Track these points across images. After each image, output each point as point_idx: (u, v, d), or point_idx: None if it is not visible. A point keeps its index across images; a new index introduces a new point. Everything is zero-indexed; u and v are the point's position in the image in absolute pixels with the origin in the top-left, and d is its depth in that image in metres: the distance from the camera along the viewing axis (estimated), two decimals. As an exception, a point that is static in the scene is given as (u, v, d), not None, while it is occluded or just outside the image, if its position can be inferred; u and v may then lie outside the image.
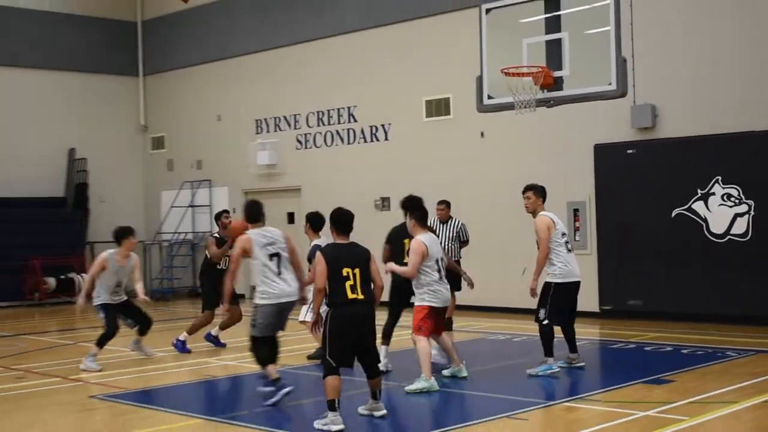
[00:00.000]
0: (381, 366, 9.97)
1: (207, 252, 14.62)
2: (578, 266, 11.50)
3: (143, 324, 13.25)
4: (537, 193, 11.53)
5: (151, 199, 26.58)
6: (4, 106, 24.42)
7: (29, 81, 24.91)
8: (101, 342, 12.71)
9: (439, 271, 10.65)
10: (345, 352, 8.78)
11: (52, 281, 23.37)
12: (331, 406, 8.62)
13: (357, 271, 8.82)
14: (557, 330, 11.40)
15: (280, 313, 10.18)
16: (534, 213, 11.49)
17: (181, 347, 14.23)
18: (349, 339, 8.78)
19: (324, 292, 8.84)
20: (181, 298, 24.36)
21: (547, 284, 11.26)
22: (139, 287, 12.99)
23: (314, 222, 12.71)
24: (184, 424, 9.23)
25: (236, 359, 13.47)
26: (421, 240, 10.60)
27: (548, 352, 11.14)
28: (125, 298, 13.06)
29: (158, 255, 25.52)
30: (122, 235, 12.86)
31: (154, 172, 26.63)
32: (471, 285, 12.55)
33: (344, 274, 8.77)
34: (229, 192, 24.29)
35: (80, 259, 24.26)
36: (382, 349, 11.32)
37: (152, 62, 26.69)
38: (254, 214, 10.54)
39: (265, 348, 10.21)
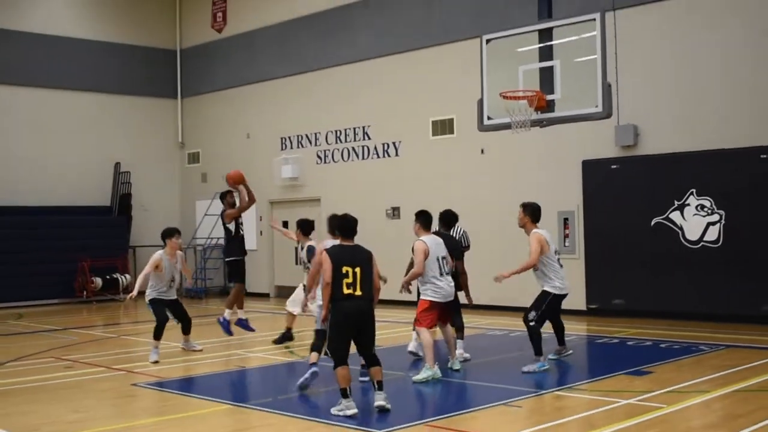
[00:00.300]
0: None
1: (225, 222, 14.65)
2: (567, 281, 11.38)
3: (185, 322, 13.29)
4: (526, 210, 11.31)
5: (186, 208, 26.62)
6: (58, 125, 24.50)
7: (81, 102, 24.99)
8: (156, 334, 12.75)
9: (440, 268, 10.74)
10: (341, 343, 8.77)
11: (98, 281, 23.41)
12: (344, 393, 8.65)
13: (357, 270, 8.81)
14: (547, 326, 11.37)
15: None
16: (524, 228, 11.33)
17: (226, 326, 14.36)
18: (345, 331, 8.79)
19: (331, 286, 8.84)
20: (214, 296, 24.37)
21: (545, 293, 11.08)
22: (188, 274, 13.68)
23: (304, 227, 13.10)
24: (215, 409, 9.24)
25: (264, 351, 13.47)
26: (422, 240, 10.78)
27: (538, 351, 10.97)
28: (175, 296, 13.12)
29: (193, 258, 25.53)
30: (166, 235, 13.12)
31: (190, 184, 26.67)
32: (470, 303, 12.25)
33: (343, 271, 8.78)
34: (256, 202, 24.23)
35: (124, 261, 24.31)
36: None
37: (189, 86, 26.76)
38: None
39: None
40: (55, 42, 24.47)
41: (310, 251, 12.37)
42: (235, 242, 14.66)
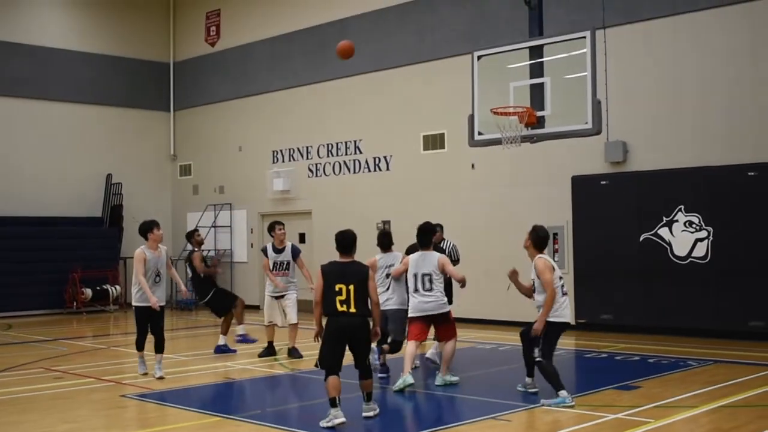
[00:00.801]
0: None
1: (193, 266, 14.58)
2: (569, 310, 10.51)
3: (157, 339, 12.08)
4: (530, 235, 10.39)
5: (178, 220, 26.56)
6: (51, 136, 24.44)
7: (74, 114, 24.94)
8: (138, 345, 12.23)
9: (415, 284, 10.99)
10: (330, 357, 8.76)
11: (89, 292, 23.32)
12: (332, 402, 8.63)
13: (351, 287, 8.79)
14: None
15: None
16: (527, 250, 10.46)
17: (245, 339, 14.61)
18: (335, 346, 8.79)
19: (321, 305, 8.89)
20: (203, 308, 24.20)
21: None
22: (179, 281, 13.01)
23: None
24: (205, 422, 9.19)
25: (253, 363, 13.43)
26: (408, 257, 11.40)
27: (557, 386, 9.85)
28: (161, 304, 12.00)
29: (183, 270, 25.39)
30: (146, 229, 12.25)
31: (181, 196, 26.62)
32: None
33: (336, 289, 8.79)
34: (248, 214, 24.30)
35: (114, 273, 24.23)
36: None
37: (182, 99, 26.75)
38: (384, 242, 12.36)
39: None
40: (48, 54, 24.45)
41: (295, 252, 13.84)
42: (205, 280, 14.70)
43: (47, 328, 19.78)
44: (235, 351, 14.57)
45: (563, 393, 9.73)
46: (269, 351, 13.95)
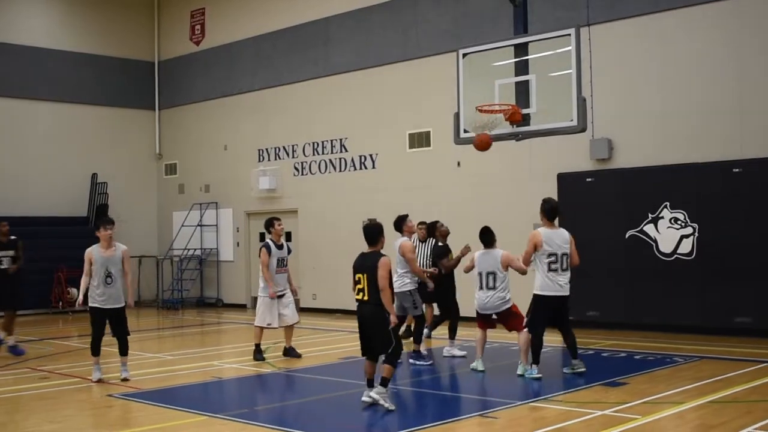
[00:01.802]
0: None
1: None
2: (564, 284, 11.16)
3: (120, 341, 11.82)
4: (541, 207, 11.48)
5: (164, 219, 26.46)
6: (36, 135, 24.29)
7: (59, 113, 24.81)
8: (93, 349, 11.72)
9: (480, 282, 11.81)
10: (361, 343, 9.59)
11: (74, 291, 23.16)
12: (367, 383, 9.56)
13: (366, 276, 9.33)
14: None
15: None
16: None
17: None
18: (361, 331, 9.54)
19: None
20: (190, 307, 24.19)
21: (533, 296, 11.25)
22: (130, 292, 11.87)
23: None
24: (192, 420, 9.13)
25: (240, 362, 13.36)
26: (474, 254, 12.18)
27: (534, 359, 11.14)
28: (117, 305, 11.67)
29: (170, 269, 25.37)
30: (95, 228, 12.10)
31: (167, 195, 26.52)
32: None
33: (356, 278, 9.44)
34: (234, 213, 24.23)
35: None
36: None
37: (167, 98, 26.64)
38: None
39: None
40: (32, 53, 24.30)
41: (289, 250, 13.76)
42: None
43: (33, 327, 19.64)
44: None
45: (534, 366, 11.08)
46: (260, 353, 13.35)
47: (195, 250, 24.83)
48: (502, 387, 10.83)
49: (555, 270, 11.06)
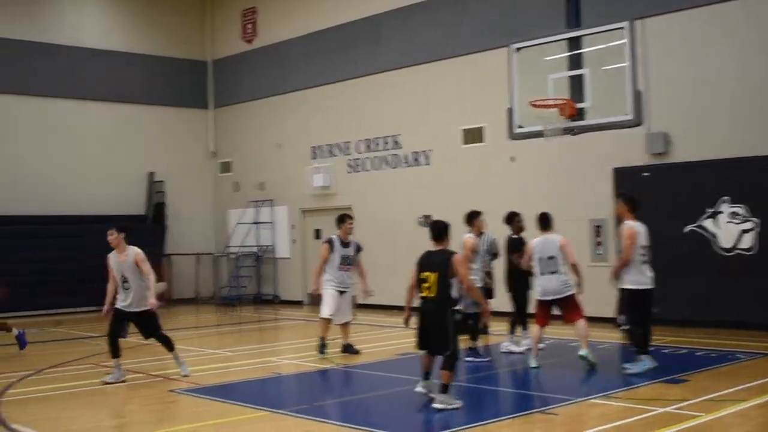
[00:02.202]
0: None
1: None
2: (652, 277, 11.30)
3: (160, 341, 11.97)
4: (622, 200, 11.56)
5: (219, 217, 26.72)
6: (93, 136, 24.69)
7: (115, 113, 25.16)
8: (110, 351, 11.66)
9: (540, 268, 11.75)
10: (419, 337, 9.47)
11: (132, 288, 23.45)
12: (423, 376, 9.72)
13: (434, 274, 9.22)
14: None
15: None
16: (623, 216, 11.50)
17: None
18: (421, 327, 9.39)
19: (412, 291, 9.60)
20: (247, 304, 24.40)
21: (622, 290, 11.26)
22: (150, 292, 11.55)
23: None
24: (253, 416, 9.23)
25: (299, 358, 13.44)
26: (531, 242, 12.29)
27: (642, 350, 11.24)
28: (140, 308, 11.61)
29: (226, 266, 25.62)
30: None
31: (223, 193, 26.77)
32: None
33: (423, 276, 9.33)
34: (289, 210, 24.38)
35: (159, 270, 24.30)
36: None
37: (221, 97, 26.89)
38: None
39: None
40: (89, 54, 24.68)
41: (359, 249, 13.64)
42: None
43: (94, 324, 19.92)
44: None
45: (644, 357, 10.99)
46: (324, 347, 13.24)
47: (251, 247, 25.04)
48: (560, 384, 10.77)
49: (646, 263, 11.17)
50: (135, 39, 25.70)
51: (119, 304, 11.68)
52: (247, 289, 25.02)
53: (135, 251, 11.66)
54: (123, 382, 11.47)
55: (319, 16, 23.52)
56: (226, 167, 26.75)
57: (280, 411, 9.34)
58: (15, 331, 14.68)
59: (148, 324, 11.78)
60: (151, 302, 11.55)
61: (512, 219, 13.89)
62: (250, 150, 25.82)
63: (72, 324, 20.02)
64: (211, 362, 13.28)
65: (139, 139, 25.57)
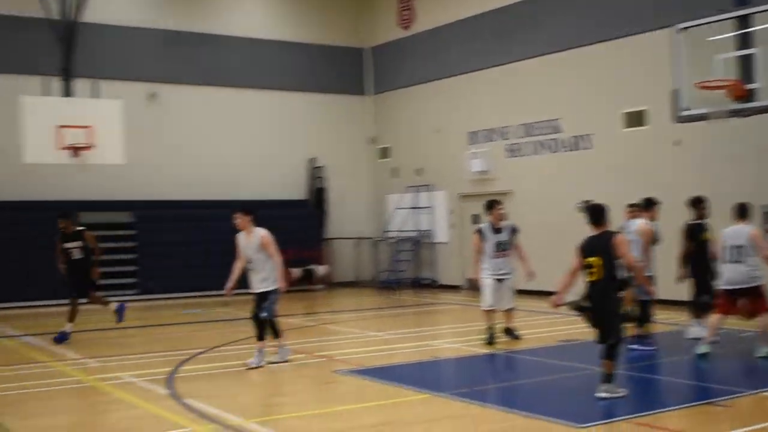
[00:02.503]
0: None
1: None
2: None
3: (268, 326, 11.93)
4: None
5: (378, 202, 27.09)
6: (255, 123, 25.49)
7: (278, 101, 25.87)
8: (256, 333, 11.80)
9: (726, 256, 11.22)
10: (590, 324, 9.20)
11: (296, 272, 24.15)
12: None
13: (597, 258, 8.99)
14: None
15: None
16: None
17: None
18: (588, 313, 9.12)
19: (572, 276, 9.35)
20: (405, 288, 24.64)
21: None
22: (276, 274, 11.74)
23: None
24: (415, 398, 9.37)
25: (458, 342, 13.51)
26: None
27: None
28: (262, 288, 11.76)
29: (386, 250, 25.98)
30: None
31: (381, 178, 27.13)
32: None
33: (587, 262, 9.08)
34: (447, 195, 24.48)
35: (320, 253, 25.00)
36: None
37: (379, 83, 27.22)
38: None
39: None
40: (250, 44, 25.47)
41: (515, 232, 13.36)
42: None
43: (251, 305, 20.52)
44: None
45: None
46: (491, 337, 13.04)
47: (410, 231, 25.29)
48: (730, 375, 10.43)
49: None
50: (295, 28, 26.27)
51: (251, 286, 11.87)
52: (406, 273, 25.29)
53: (261, 233, 11.79)
54: (286, 362, 11.80)
55: (475, 0, 23.45)
56: (384, 153, 27.09)
57: (441, 394, 9.44)
58: (113, 306, 15.17)
59: (258, 306, 11.79)
60: (279, 284, 11.72)
61: (699, 203, 13.22)
62: (408, 135, 26.05)
63: (239, 305, 20.74)
64: (372, 345, 13.53)
65: (300, 126, 26.20)
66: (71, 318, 14.62)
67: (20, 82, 20.49)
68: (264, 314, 11.66)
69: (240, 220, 11.86)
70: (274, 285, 11.72)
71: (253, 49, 25.56)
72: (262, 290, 11.74)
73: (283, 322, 16.84)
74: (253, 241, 11.74)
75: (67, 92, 18.55)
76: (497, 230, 13.23)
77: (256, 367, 11.42)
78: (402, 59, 26.22)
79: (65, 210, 15.70)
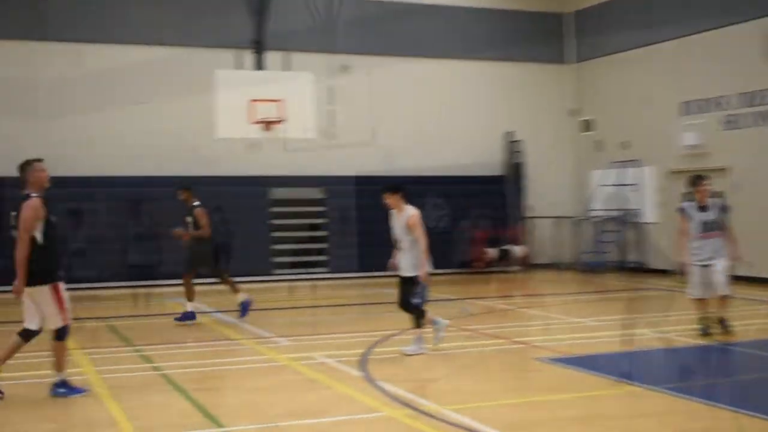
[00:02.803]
0: None
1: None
2: None
3: (412, 314, 11.58)
4: None
5: (580, 178, 26.61)
6: (451, 94, 25.51)
7: (473, 71, 25.81)
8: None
9: None
10: None
11: (492, 251, 24.12)
12: None
13: None
14: None
15: None
16: None
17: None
18: None
19: None
20: (610, 271, 24.12)
21: None
22: (420, 260, 11.31)
23: None
24: (622, 390, 9.18)
25: (673, 332, 13.06)
26: None
27: None
28: (402, 275, 11.49)
29: (588, 230, 25.50)
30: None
31: (584, 153, 26.61)
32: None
33: None
34: (656, 171, 23.73)
35: (516, 233, 24.83)
36: None
37: (583, 51, 26.65)
38: None
39: None
40: (444, 12, 25.46)
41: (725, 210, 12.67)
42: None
43: (453, 287, 20.66)
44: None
45: None
46: (705, 328, 12.58)
47: (615, 211, 24.72)
48: None
49: None
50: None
51: (398, 269, 11.58)
52: (610, 256, 24.73)
53: (409, 213, 11.39)
54: (412, 354, 11.39)
55: (691, -42, 22.57)
56: (587, 126, 26.54)
57: (647, 387, 9.20)
58: (242, 297, 14.97)
59: (401, 290, 11.55)
60: (421, 272, 11.29)
61: None
62: (613, 107, 25.40)
63: (437, 286, 20.95)
64: (574, 331, 13.36)
65: (496, 97, 26.06)
66: (189, 297, 14.97)
67: (215, 56, 21.23)
68: (417, 300, 11.39)
69: (389, 199, 11.50)
70: (416, 272, 11.37)
71: (447, 18, 25.58)
72: (406, 275, 11.46)
73: (478, 304, 16.96)
74: (401, 220, 11.46)
75: (259, 65, 19.12)
76: (702, 208, 12.64)
77: (411, 354, 11.28)
78: (607, 24, 25.56)
79: (185, 182, 15.86)
